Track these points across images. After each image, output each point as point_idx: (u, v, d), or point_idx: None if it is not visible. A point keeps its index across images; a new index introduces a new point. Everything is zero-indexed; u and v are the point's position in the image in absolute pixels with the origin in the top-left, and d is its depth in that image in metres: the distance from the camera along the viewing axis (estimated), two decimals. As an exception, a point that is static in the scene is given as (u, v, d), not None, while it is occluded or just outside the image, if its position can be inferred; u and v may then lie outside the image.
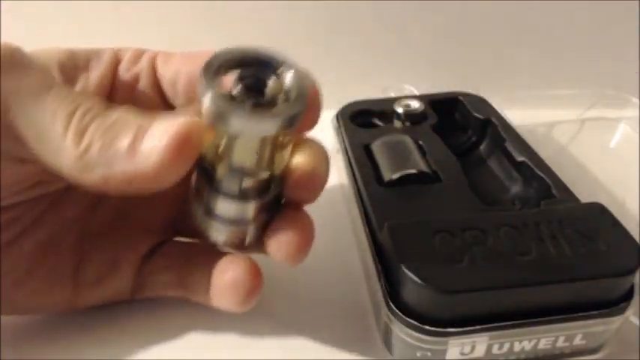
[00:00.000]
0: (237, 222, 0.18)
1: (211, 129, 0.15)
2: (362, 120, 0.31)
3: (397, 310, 0.18)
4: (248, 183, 0.16)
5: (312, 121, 0.18)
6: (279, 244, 0.18)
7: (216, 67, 0.15)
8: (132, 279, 0.21)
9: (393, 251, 0.19)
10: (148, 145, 0.15)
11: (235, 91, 0.15)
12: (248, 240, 0.18)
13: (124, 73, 0.20)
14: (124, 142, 0.15)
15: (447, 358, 0.18)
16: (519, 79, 0.42)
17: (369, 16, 0.40)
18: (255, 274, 0.19)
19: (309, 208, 0.19)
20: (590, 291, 0.18)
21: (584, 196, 0.22)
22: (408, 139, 0.27)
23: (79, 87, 0.19)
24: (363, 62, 0.42)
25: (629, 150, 0.33)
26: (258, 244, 0.19)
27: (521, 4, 0.39)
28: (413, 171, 0.24)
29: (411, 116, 0.29)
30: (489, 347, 0.18)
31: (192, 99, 0.20)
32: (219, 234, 0.18)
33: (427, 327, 0.18)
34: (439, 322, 0.18)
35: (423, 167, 0.25)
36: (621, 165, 0.32)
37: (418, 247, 0.19)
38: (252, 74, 0.15)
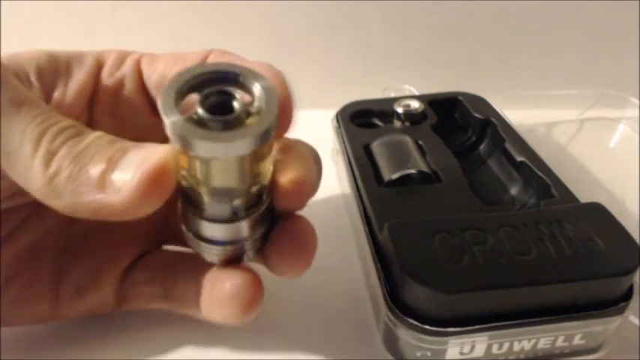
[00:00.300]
0: (231, 242, 0.17)
1: (184, 154, 0.14)
2: (362, 120, 0.31)
3: (397, 310, 0.18)
4: (236, 203, 0.15)
5: (286, 125, 0.17)
6: (281, 259, 0.17)
7: (177, 89, 0.14)
8: (114, 291, 0.20)
9: (392, 251, 0.19)
10: (119, 178, 0.14)
11: (201, 113, 0.14)
12: (246, 256, 0.17)
13: (107, 77, 0.20)
14: (94, 172, 0.15)
15: (446, 357, 0.18)
16: (519, 79, 0.42)
17: (368, 17, 0.40)
18: (257, 284, 0.18)
19: (309, 210, 0.18)
20: (590, 291, 0.18)
21: (584, 196, 0.22)
22: (407, 139, 0.27)
23: (57, 94, 0.19)
24: (363, 62, 0.42)
25: (628, 150, 0.33)
26: (258, 255, 0.18)
27: (521, 5, 0.39)
28: (413, 171, 0.25)
29: (410, 116, 0.30)
30: (489, 347, 0.18)
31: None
32: (213, 256, 0.17)
33: (427, 327, 0.18)
34: (439, 321, 0.18)
35: (423, 167, 0.25)
36: (621, 165, 0.32)
37: (418, 247, 0.19)
38: (217, 92, 0.14)
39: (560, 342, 0.19)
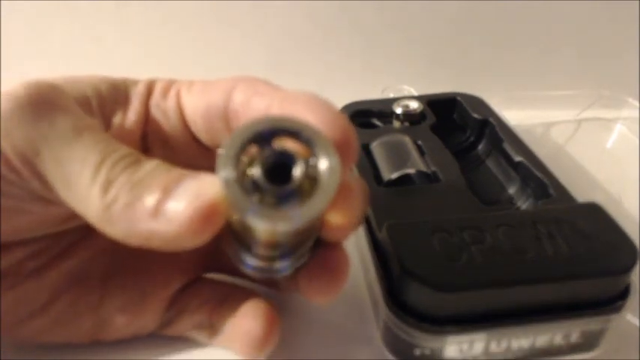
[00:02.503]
0: (277, 271, 0.17)
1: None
2: (361, 120, 0.31)
3: (396, 309, 0.18)
4: (282, 250, 0.15)
5: (348, 166, 0.16)
6: (312, 288, 0.17)
7: (240, 143, 0.13)
8: (159, 317, 0.20)
9: (392, 250, 0.19)
10: (172, 208, 0.14)
11: (258, 175, 0.13)
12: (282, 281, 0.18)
13: (155, 109, 0.19)
14: (149, 200, 0.15)
15: (445, 356, 0.19)
16: (517, 79, 0.42)
17: (368, 18, 0.40)
18: (270, 326, 0.18)
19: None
20: (587, 289, 0.18)
21: (581, 195, 0.23)
22: (406, 140, 0.27)
23: (116, 122, 0.19)
24: (362, 63, 0.42)
25: (625, 150, 0.33)
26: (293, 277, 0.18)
27: (520, 5, 0.39)
28: (412, 171, 0.25)
29: (409, 116, 0.30)
30: (487, 345, 0.19)
31: (214, 137, 0.19)
32: (254, 275, 0.17)
33: (426, 325, 0.18)
34: (438, 320, 0.18)
35: (422, 167, 0.25)
36: (618, 165, 0.32)
37: (417, 247, 0.19)
38: (277, 155, 0.13)
39: (557, 340, 0.19)
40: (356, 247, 0.25)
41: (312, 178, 0.13)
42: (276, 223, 0.13)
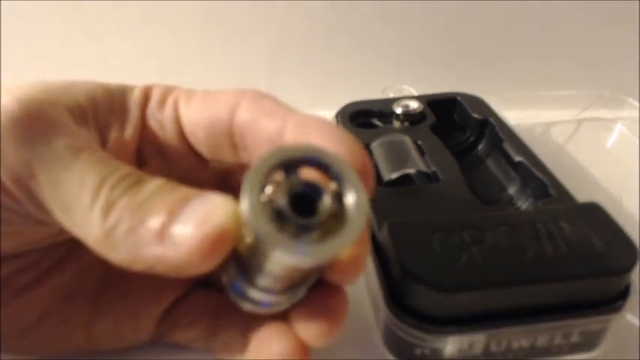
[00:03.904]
0: (268, 305, 0.16)
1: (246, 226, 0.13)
2: (361, 120, 0.31)
3: (396, 309, 0.18)
4: (285, 283, 0.15)
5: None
6: (310, 329, 0.16)
7: (267, 168, 0.13)
8: (151, 332, 0.20)
9: (392, 250, 0.19)
10: (179, 233, 0.14)
11: (280, 203, 0.12)
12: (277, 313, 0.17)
13: (151, 118, 0.19)
14: (153, 223, 0.14)
15: (445, 355, 0.19)
16: (517, 79, 0.42)
17: (368, 18, 0.40)
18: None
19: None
20: (587, 289, 0.18)
21: (581, 195, 0.23)
22: (406, 140, 0.27)
23: (112, 135, 0.18)
24: (362, 63, 0.42)
25: (625, 150, 0.33)
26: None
27: (519, 6, 0.39)
28: (412, 171, 0.25)
29: (409, 116, 0.30)
30: (487, 345, 0.19)
31: (216, 151, 0.18)
32: (248, 308, 0.16)
33: (426, 325, 0.18)
34: (438, 320, 0.18)
35: (422, 167, 0.25)
36: (617, 165, 0.32)
37: (417, 247, 0.19)
38: (304, 185, 0.13)
39: (557, 340, 0.19)
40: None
41: (334, 215, 0.13)
42: (300, 258, 0.12)
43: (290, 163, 0.13)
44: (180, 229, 0.14)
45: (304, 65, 0.42)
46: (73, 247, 0.19)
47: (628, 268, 0.18)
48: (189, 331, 0.19)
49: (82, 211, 0.14)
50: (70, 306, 0.19)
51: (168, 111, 0.18)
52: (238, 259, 0.15)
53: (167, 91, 0.19)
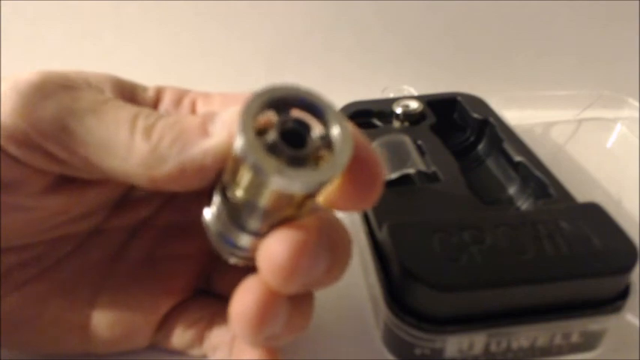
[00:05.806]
0: (254, 251, 0.16)
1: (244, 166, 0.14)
2: (361, 120, 0.31)
3: (396, 309, 0.18)
4: (272, 221, 0.15)
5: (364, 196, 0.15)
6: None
7: (257, 107, 0.13)
8: (147, 338, 0.20)
9: (392, 250, 0.19)
10: (219, 119, 0.15)
11: (272, 138, 0.13)
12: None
13: None
14: (194, 123, 0.15)
15: (445, 355, 0.19)
16: (517, 79, 0.42)
17: (368, 18, 0.40)
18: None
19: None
20: (587, 289, 0.18)
21: (581, 195, 0.23)
22: (406, 140, 0.27)
23: None
24: (362, 63, 0.42)
25: (625, 150, 0.33)
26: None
27: (519, 5, 0.39)
28: (412, 171, 0.25)
29: (409, 116, 0.30)
30: (487, 345, 0.19)
31: None
32: (232, 257, 0.17)
33: (426, 325, 0.18)
34: (438, 320, 0.18)
35: (422, 167, 0.25)
36: (618, 165, 0.32)
37: (417, 246, 0.19)
38: (293, 121, 0.14)
39: (557, 340, 0.19)
40: (356, 247, 0.25)
41: (323, 153, 0.14)
42: (294, 183, 0.13)
43: (279, 103, 0.14)
44: (218, 118, 0.16)
45: (304, 65, 0.42)
46: (76, 244, 0.20)
47: (628, 268, 0.18)
48: (184, 337, 0.20)
49: (122, 145, 0.15)
50: (67, 303, 0.19)
51: (184, 111, 0.19)
52: (230, 207, 0.16)
53: (182, 93, 0.19)
